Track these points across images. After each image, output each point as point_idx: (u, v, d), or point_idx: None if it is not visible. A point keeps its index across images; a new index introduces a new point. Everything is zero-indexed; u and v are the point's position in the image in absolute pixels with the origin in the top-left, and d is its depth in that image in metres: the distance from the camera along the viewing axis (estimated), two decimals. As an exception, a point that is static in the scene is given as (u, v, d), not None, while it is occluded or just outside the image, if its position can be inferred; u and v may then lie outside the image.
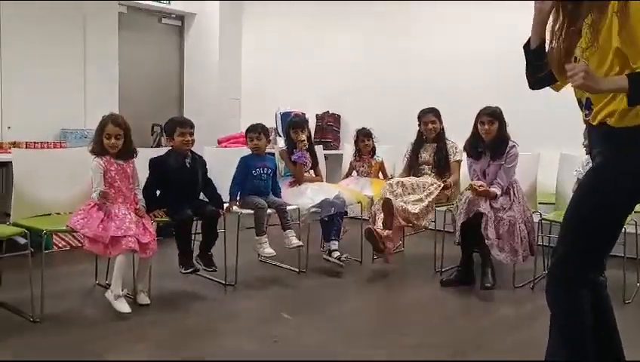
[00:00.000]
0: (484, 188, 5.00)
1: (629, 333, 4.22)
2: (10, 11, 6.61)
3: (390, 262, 5.53)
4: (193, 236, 4.91)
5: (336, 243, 5.64)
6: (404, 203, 5.39)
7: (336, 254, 5.57)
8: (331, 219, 5.65)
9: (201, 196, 5.00)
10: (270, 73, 9.43)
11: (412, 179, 5.61)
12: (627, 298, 4.76)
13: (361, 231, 5.94)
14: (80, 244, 5.89)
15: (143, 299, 4.49)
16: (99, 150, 4.44)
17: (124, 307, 4.23)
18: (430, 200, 5.43)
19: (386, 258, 5.45)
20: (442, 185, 5.55)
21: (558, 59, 2.71)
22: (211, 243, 4.84)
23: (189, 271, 4.69)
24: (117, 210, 4.32)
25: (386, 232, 5.33)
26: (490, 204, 4.98)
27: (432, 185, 5.51)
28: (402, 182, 5.55)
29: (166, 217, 4.63)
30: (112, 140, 4.43)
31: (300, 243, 5.31)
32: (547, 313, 4.48)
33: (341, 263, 5.56)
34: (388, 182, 5.67)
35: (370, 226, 5.44)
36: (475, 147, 5.27)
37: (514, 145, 5.15)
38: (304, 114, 7.86)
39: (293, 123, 5.99)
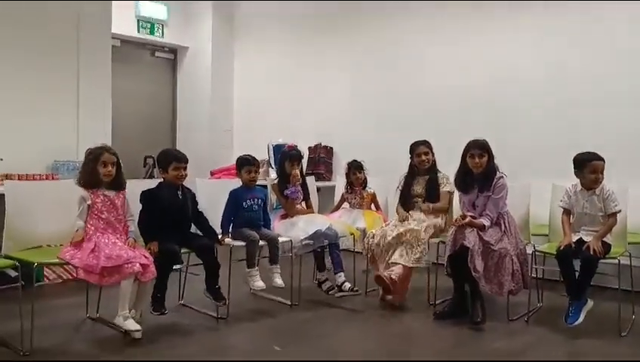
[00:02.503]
0: (467, 221, 5.00)
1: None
2: (2, 44, 6.62)
3: (400, 301, 5.51)
4: (186, 268, 4.89)
5: (342, 274, 5.60)
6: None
7: (348, 285, 5.54)
8: (323, 252, 5.65)
9: (193, 229, 4.98)
10: (262, 105, 9.46)
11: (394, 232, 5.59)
12: (622, 330, 4.74)
13: (353, 263, 5.92)
14: (71, 277, 5.89)
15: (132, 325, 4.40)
16: (92, 182, 4.44)
17: (134, 325, 4.27)
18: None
19: (396, 298, 5.46)
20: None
21: None
22: (215, 274, 4.83)
23: (157, 313, 4.65)
24: (106, 240, 4.32)
25: (393, 274, 5.35)
26: (479, 236, 4.97)
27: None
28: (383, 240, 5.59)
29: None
30: (109, 168, 4.47)
31: (282, 284, 5.30)
32: (541, 346, 4.48)
33: (356, 293, 5.54)
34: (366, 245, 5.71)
35: (378, 273, 5.43)
36: (463, 180, 5.27)
37: (501, 176, 5.16)
38: (297, 146, 7.87)
39: (290, 155, 5.92)
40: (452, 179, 5.49)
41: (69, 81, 7.22)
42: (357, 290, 5.55)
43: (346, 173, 6.49)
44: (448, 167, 5.59)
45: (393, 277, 5.32)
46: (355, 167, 6.40)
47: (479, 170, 5.16)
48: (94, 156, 4.49)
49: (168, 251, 4.60)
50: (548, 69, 6.80)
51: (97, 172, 4.46)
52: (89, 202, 4.43)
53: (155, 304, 4.64)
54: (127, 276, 4.21)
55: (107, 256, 4.18)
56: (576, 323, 4.62)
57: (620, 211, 4.80)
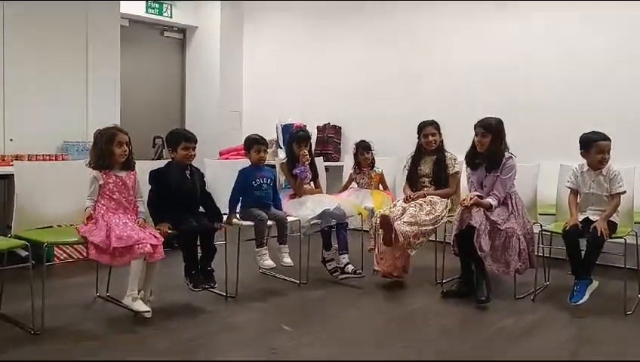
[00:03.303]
0: (473, 201, 5.02)
1: (631, 344, 4.25)
2: (13, 25, 6.64)
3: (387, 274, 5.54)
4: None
5: (346, 256, 5.62)
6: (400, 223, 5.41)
7: (351, 267, 5.57)
8: (330, 231, 5.67)
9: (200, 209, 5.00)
10: (271, 85, 9.46)
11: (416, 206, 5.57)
12: (628, 309, 4.76)
13: (361, 243, 5.94)
14: (81, 257, 5.94)
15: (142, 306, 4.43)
16: (106, 163, 4.49)
17: (143, 307, 4.30)
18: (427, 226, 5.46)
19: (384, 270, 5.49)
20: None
21: None
22: (210, 257, 4.83)
23: (197, 289, 4.70)
24: (117, 220, 4.36)
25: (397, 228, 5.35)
26: (486, 215, 4.99)
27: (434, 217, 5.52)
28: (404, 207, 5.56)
29: (171, 230, 4.62)
30: (124, 147, 4.52)
31: (291, 263, 5.32)
32: (547, 324, 4.51)
33: (359, 275, 5.56)
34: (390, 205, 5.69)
35: (385, 214, 5.42)
36: (473, 158, 5.29)
37: (510, 157, 5.16)
38: (305, 126, 7.87)
39: (298, 137, 5.94)
40: (461, 159, 5.51)
41: (78, 62, 7.26)
42: (360, 273, 5.57)
43: (354, 153, 6.49)
44: (458, 147, 5.60)
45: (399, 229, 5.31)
46: (363, 147, 6.40)
47: (482, 149, 5.17)
48: (109, 137, 4.51)
49: (188, 229, 4.65)
50: (559, 51, 6.81)
51: (113, 152, 4.49)
52: (101, 182, 4.46)
53: (194, 281, 4.69)
54: (138, 256, 4.25)
55: (118, 236, 4.20)
56: (581, 301, 4.64)
57: (625, 192, 4.81)
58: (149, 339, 4.08)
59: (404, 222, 5.33)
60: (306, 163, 5.80)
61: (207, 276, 4.79)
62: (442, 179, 5.76)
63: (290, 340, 4.16)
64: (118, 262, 4.26)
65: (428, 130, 5.79)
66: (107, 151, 4.49)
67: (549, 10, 6.84)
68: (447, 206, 5.64)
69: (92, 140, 4.62)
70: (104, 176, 4.47)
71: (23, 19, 6.73)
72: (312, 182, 5.98)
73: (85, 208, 4.42)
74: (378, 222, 5.48)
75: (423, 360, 3.87)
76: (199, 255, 4.82)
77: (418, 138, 5.86)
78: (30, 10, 6.77)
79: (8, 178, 5.45)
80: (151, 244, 4.29)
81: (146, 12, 9.21)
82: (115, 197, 4.49)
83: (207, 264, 4.82)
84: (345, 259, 5.60)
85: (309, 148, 5.89)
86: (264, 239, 5.21)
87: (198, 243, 4.80)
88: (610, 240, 4.72)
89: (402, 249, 5.37)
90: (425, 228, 5.37)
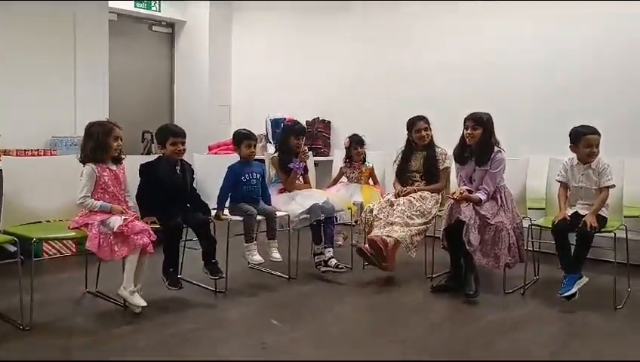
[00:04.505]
0: (463, 195, 5.02)
1: (620, 339, 4.27)
2: (-1, 19, 6.62)
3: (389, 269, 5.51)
4: (184, 243, 4.91)
5: (331, 250, 5.62)
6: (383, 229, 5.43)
7: (334, 262, 5.55)
8: (320, 225, 5.65)
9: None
10: (260, 80, 9.42)
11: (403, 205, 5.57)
12: (618, 303, 4.78)
13: (351, 237, 5.95)
14: (71, 252, 5.93)
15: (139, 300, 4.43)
16: (100, 156, 4.48)
17: (140, 301, 4.33)
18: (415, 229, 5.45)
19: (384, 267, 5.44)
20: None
21: None
22: (212, 249, 4.84)
23: (174, 288, 4.70)
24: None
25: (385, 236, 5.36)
26: (475, 210, 4.99)
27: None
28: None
29: (158, 224, 4.61)
30: (119, 142, 4.56)
31: (280, 258, 5.32)
32: (536, 319, 4.51)
33: (341, 270, 5.55)
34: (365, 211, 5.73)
35: (360, 246, 5.46)
36: (461, 152, 5.29)
37: (499, 151, 5.16)
38: (296, 120, 7.84)
39: (296, 130, 5.94)
40: (451, 153, 5.51)
41: (66, 57, 7.23)
42: (342, 268, 5.55)
43: (347, 147, 6.47)
44: (447, 142, 5.59)
45: (385, 238, 5.31)
46: (356, 142, 6.39)
47: (472, 142, 5.17)
48: (106, 130, 4.51)
49: (175, 225, 4.65)
50: (548, 45, 6.80)
51: (111, 145, 4.50)
52: (97, 175, 4.45)
53: (171, 279, 4.70)
54: (136, 248, 4.27)
55: (124, 223, 4.25)
56: (569, 293, 4.62)
57: (614, 186, 4.81)
58: (139, 334, 4.07)
59: (396, 222, 5.38)
60: (305, 159, 5.81)
61: (212, 268, 4.83)
62: (433, 174, 5.76)
63: (279, 335, 4.16)
64: (118, 255, 4.27)
65: (419, 125, 5.78)
66: (104, 144, 4.49)
67: (538, 7, 6.83)
68: (437, 201, 5.64)
69: (81, 135, 4.61)
70: (99, 169, 4.46)
71: (9, 15, 6.68)
72: (301, 177, 5.97)
73: (97, 205, 4.39)
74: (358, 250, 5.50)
75: (413, 353, 3.88)
76: (199, 251, 4.86)
77: (408, 134, 5.85)
78: (17, 5, 6.72)
79: (-4, 173, 5.42)
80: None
81: (135, 6, 9.14)
82: (109, 190, 4.50)
83: (211, 257, 4.84)
84: (329, 253, 5.59)
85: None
86: (253, 234, 5.20)
87: (196, 238, 4.83)
88: (599, 234, 4.73)
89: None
90: (419, 227, 5.42)
